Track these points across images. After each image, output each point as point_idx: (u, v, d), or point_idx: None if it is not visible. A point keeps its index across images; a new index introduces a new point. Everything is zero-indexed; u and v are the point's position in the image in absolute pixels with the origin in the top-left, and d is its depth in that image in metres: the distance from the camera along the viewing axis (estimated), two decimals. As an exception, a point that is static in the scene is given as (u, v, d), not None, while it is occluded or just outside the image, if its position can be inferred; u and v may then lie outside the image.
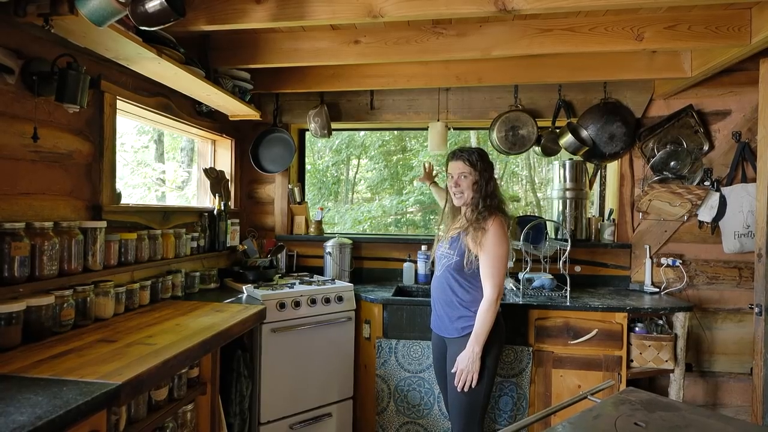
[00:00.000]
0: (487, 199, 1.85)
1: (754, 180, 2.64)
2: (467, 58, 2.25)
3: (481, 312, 1.80)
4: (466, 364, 1.80)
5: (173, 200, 6.32)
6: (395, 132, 6.87)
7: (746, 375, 2.71)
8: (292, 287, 2.41)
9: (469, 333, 1.81)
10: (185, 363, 1.41)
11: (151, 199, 6.17)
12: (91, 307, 1.65)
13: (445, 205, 2.07)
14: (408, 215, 7.27)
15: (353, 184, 8.07)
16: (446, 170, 1.99)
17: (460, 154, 1.91)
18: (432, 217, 7.68)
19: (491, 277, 1.79)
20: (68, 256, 1.58)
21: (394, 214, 7.00)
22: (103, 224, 1.73)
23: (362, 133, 6.98)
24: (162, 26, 1.44)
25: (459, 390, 1.82)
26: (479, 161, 1.88)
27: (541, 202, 7.63)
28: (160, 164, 6.50)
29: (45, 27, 1.37)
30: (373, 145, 7.44)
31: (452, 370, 1.86)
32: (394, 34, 2.11)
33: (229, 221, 2.67)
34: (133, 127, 6.12)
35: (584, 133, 2.74)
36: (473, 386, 1.80)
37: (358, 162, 7.99)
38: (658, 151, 2.73)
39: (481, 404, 1.85)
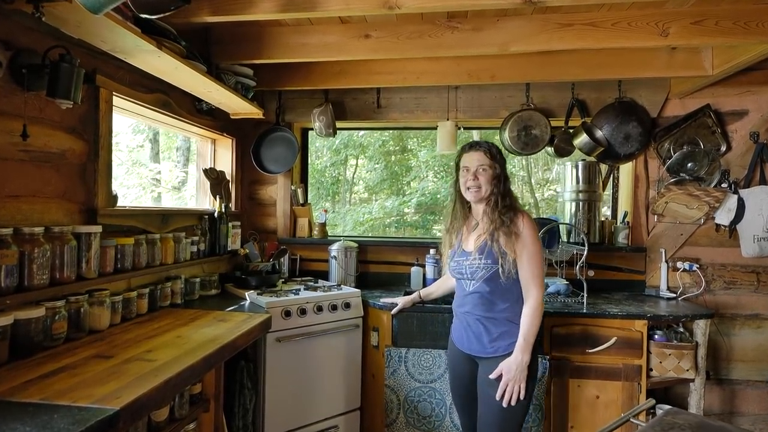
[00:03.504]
0: (506, 197, 1.70)
1: (773, 182, 2.58)
2: (484, 54, 2.14)
3: (530, 315, 1.64)
4: (514, 374, 1.61)
5: (169, 201, 6.18)
6: (395, 131, 6.76)
7: (764, 383, 2.63)
8: (297, 294, 2.30)
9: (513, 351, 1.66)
10: (189, 381, 1.30)
11: (146, 200, 6.03)
12: (85, 318, 1.53)
13: (454, 205, 1.85)
14: (407, 216, 7.16)
15: (351, 184, 7.96)
16: (458, 163, 1.80)
17: (477, 145, 1.73)
18: (431, 217, 7.58)
19: (536, 278, 1.65)
20: (60, 263, 1.46)
21: (396, 215, 6.88)
22: (99, 229, 1.61)
23: (361, 132, 6.87)
24: (164, 14, 1.33)
25: (505, 405, 1.62)
26: (498, 154, 1.73)
27: (540, 203, 7.56)
28: (155, 164, 6.36)
29: (35, 15, 1.25)
30: (373, 145, 7.33)
31: (495, 380, 1.64)
32: (407, 28, 2.01)
33: (230, 224, 2.55)
34: (128, 126, 5.98)
35: (599, 133, 2.65)
36: (521, 398, 1.62)
37: (356, 162, 7.87)
38: (674, 152, 2.64)
39: (520, 423, 1.68)
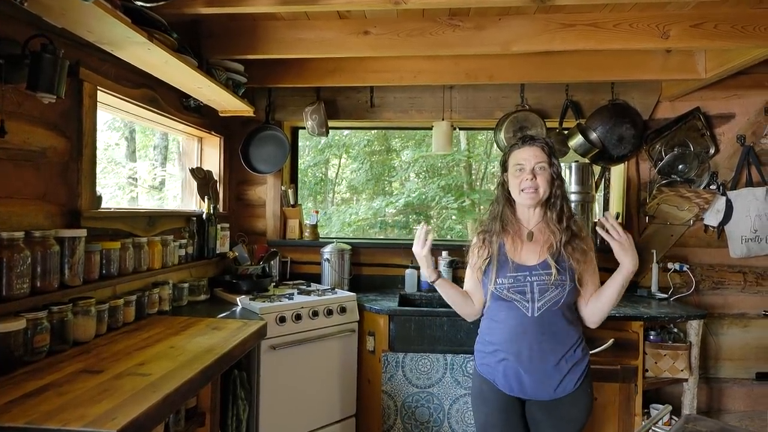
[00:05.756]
0: (569, 202, 1.52)
1: (759, 184, 2.63)
2: (484, 53, 2.11)
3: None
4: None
5: (146, 202, 5.96)
6: (380, 131, 6.69)
7: (750, 380, 2.69)
8: (291, 298, 2.22)
9: (584, 380, 1.50)
10: (187, 396, 1.21)
11: (122, 201, 5.80)
12: (70, 329, 1.42)
13: (502, 209, 1.57)
14: (389, 217, 7.11)
15: (334, 184, 7.86)
16: (505, 162, 1.59)
17: (533, 140, 1.51)
18: (415, 217, 7.54)
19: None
20: (42, 270, 1.35)
21: (383, 216, 6.82)
22: (83, 233, 1.50)
23: (346, 132, 6.78)
24: (159, 3, 1.24)
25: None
26: (555, 151, 1.52)
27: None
28: (131, 163, 6.12)
29: (17, 1, 1.14)
30: (357, 145, 7.25)
31: (563, 421, 1.47)
32: (407, 25, 1.95)
33: (218, 226, 2.45)
34: (102, 123, 5.73)
35: (593, 135, 2.65)
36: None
37: (339, 162, 7.78)
38: (665, 154, 2.68)
39: None
